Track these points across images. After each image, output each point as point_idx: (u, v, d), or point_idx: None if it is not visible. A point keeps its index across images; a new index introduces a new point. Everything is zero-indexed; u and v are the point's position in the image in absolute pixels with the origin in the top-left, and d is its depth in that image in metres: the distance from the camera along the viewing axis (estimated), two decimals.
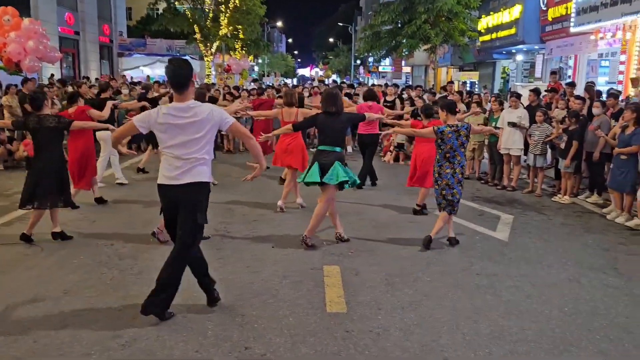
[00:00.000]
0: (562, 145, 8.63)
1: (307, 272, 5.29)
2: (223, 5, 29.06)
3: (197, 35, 29.28)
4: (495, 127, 9.06)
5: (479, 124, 9.92)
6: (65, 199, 6.16)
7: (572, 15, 15.83)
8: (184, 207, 4.08)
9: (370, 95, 9.64)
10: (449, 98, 10.13)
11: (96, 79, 18.39)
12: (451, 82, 18.51)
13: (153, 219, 6.74)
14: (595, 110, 8.68)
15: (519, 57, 22.58)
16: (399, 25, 23.04)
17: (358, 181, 6.23)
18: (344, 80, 51.34)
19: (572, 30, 15.99)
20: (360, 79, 53.86)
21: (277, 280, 5.04)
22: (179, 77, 3.98)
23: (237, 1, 28.91)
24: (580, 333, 4.14)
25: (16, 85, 11.83)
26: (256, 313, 4.34)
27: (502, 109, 9.76)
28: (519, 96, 9.92)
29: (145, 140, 11.02)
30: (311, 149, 9.93)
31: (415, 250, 6.01)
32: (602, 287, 5.08)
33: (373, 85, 21.04)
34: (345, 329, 4.11)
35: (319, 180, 5.85)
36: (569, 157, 8.46)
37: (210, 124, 4.04)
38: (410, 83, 35.75)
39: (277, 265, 5.42)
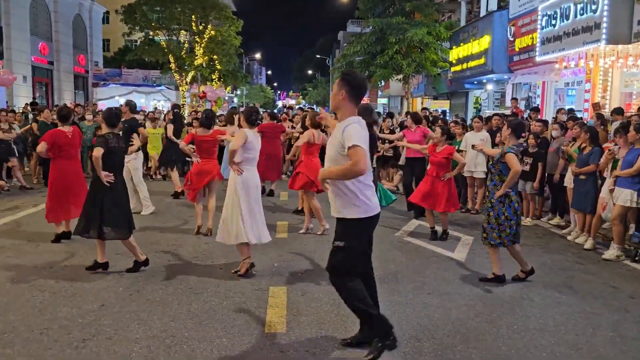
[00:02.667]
0: (527, 168, 8.59)
1: (252, 293, 5.06)
2: (198, 36, 29.19)
3: (172, 65, 29.28)
4: (458, 151, 9.04)
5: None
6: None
7: (537, 44, 16.12)
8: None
9: (415, 119, 9.55)
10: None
11: (64, 104, 18.17)
12: (425, 108, 18.63)
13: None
14: (554, 133, 8.73)
15: (490, 87, 22.90)
16: (372, 56, 23.30)
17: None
18: (324, 109, 51.83)
19: (538, 59, 16.26)
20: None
21: (218, 301, 4.80)
22: None
23: (212, 32, 29.07)
24: (527, 350, 3.97)
25: None
26: (188, 334, 4.09)
27: (464, 133, 9.75)
28: (482, 119, 9.94)
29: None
30: None
31: None
32: (555, 305, 4.94)
33: None
34: (280, 349, 3.89)
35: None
36: (537, 180, 8.45)
37: None
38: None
39: (221, 287, 5.18)
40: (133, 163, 8.29)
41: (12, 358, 3.65)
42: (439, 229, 7.47)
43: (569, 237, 7.62)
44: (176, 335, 4.06)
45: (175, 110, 12.10)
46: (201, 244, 6.78)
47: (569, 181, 7.89)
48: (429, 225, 7.55)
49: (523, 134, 5.45)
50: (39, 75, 29.45)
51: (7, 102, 20.06)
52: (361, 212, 3.65)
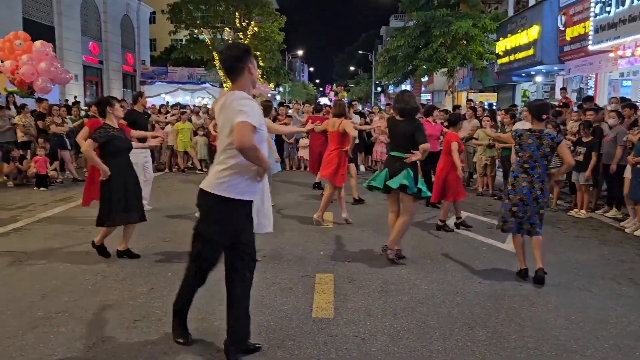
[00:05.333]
0: (581, 158, 8.25)
1: (298, 279, 5.02)
2: (241, 33, 29.48)
3: (217, 62, 29.66)
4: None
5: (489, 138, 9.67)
6: None
7: (591, 32, 15.49)
8: None
9: (426, 113, 9.20)
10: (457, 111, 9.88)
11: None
12: (470, 99, 18.23)
13: (146, 232, 6.55)
14: (611, 122, 8.33)
15: (539, 79, 22.21)
16: (416, 50, 22.92)
17: (427, 194, 5.53)
18: (366, 107, 51.50)
19: (591, 48, 15.62)
20: (381, 106, 53.84)
21: (265, 287, 4.78)
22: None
23: (255, 28, 29.31)
24: (587, 341, 3.77)
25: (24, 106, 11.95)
26: None
27: (514, 122, 9.45)
28: None
29: None
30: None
31: (416, 258, 5.71)
32: (615, 296, 4.69)
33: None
34: (329, 333, 3.83)
35: (381, 186, 5.49)
36: (589, 169, 8.09)
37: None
38: None
39: (268, 273, 5.16)
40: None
41: (67, 336, 3.73)
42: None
43: (627, 230, 7.27)
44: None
45: None
46: None
47: (628, 172, 7.52)
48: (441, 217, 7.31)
49: (544, 116, 5.21)
50: (89, 74, 30.38)
51: (59, 100, 20.81)
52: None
